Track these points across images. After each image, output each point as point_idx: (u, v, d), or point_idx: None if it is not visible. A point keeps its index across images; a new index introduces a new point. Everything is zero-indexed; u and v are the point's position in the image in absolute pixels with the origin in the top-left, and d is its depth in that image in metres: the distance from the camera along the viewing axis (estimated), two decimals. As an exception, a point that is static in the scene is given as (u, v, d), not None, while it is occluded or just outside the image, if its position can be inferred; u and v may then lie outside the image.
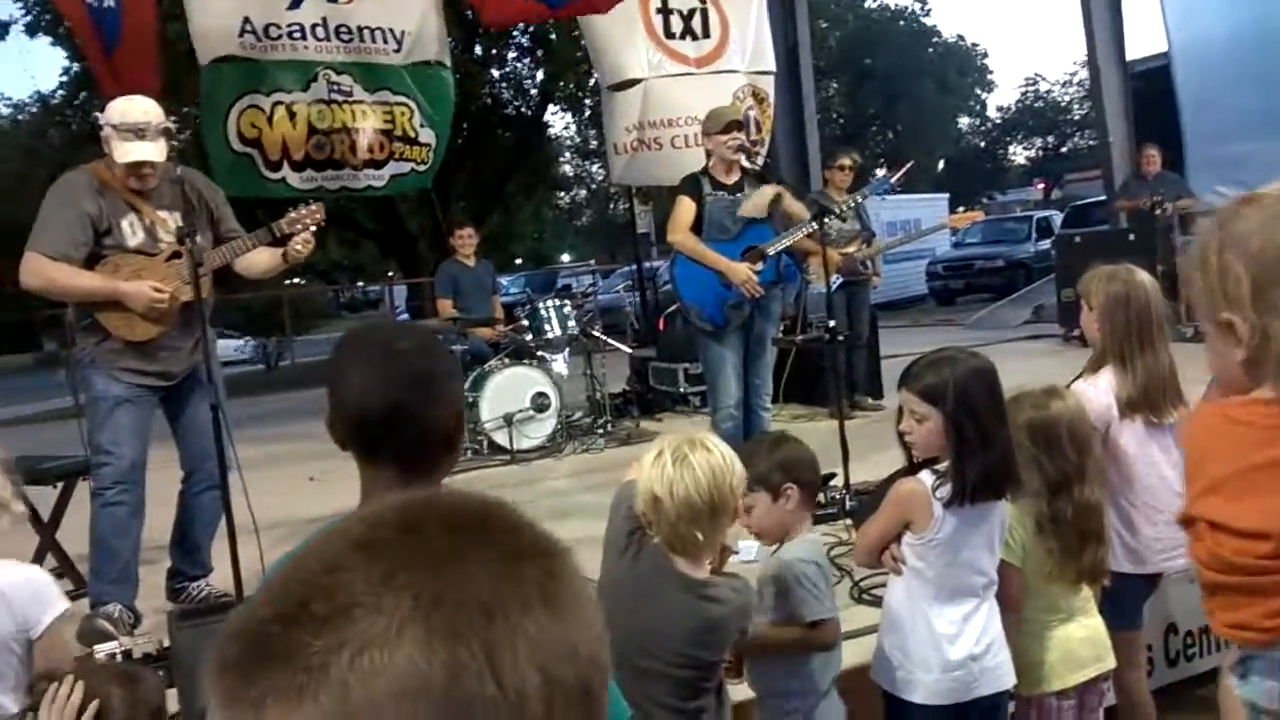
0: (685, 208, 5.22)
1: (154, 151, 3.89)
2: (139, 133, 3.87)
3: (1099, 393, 2.95)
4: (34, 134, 21.09)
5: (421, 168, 7.23)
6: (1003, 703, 2.57)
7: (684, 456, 2.12)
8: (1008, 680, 2.51)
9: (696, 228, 5.18)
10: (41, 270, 3.84)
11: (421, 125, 7.11)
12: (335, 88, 6.77)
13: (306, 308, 22.69)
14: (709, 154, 5.31)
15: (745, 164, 5.34)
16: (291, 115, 6.61)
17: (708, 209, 5.17)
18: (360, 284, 28.88)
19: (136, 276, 3.95)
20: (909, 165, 7.27)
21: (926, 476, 2.44)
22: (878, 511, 2.56)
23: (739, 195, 5.23)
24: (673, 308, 5.39)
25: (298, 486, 6.28)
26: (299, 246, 4.20)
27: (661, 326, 9.28)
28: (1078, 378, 3.09)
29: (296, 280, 25.86)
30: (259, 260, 4.30)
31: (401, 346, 1.55)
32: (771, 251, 5.27)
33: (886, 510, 2.52)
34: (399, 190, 8.48)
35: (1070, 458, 2.64)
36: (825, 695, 2.51)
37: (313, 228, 4.23)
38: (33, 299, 4.35)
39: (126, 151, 3.87)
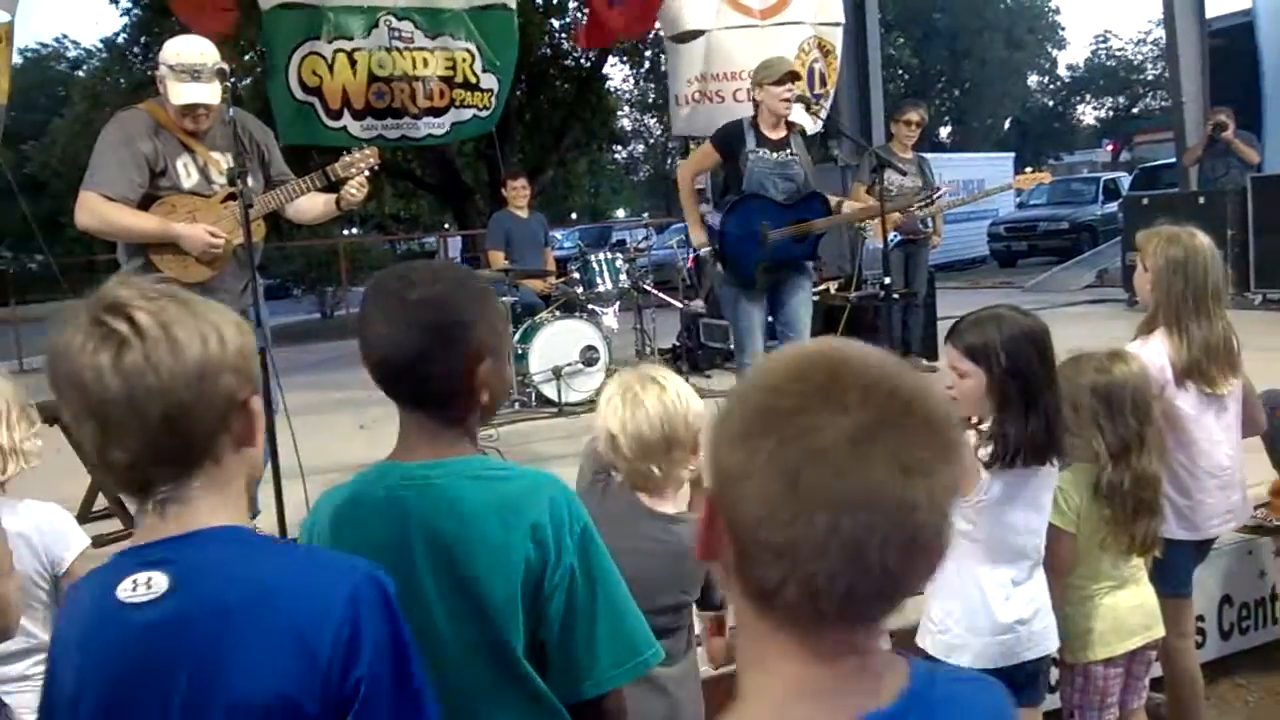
0: (704, 153, 5.41)
1: (209, 94, 3.89)
2: (194, 74, 3.87)
3: (1151, 354, 2.86)
4: (98, 78, 21.34)
5: (484, 113, 7.20)
6: (1045, 667, 2.52)
7: (635, 394, 2.12)
8: (1052, 645, 2.46)
9: (735, 185, 5.13)
10: (98, 210, 3.85)
11: (484, 70, 7.07)
12: (396, 34, 6.75)
13: (363, 259, 22.83)
14: (757, 105, 5.19)
15: (804, 117, 5.23)
16: (353, 63, 6.61)
17: (750, 168, 5.08)
18: (416, 235, 29.06)
19: (191, 218, 3.96)
20: (945, 190, 7.41)
21: (970, 437, 2.37)
22: None
23: (784, 153, 5.13)
24: (704, 250, 5.40)
25: (348, 433, 6.34)
26: (353, 191, 4.20)
27: (691, 264, 9.23)
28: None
29: (354, 231, 26.07)
30: (311, 206, 4.30)
31: (419, 295, 1.51)
32: (821, 229, 5.21)
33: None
34: (461, 137, 8.47)
35: (1131, 425, 2.56)
36: None
37: (366, 172, 4.22)
38: (97, 242, 4.38)
39: (181, 93, 3.87)
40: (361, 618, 1.21)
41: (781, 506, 0.82)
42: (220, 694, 1.17)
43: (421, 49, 6.82)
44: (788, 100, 5.08)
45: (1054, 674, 2.98)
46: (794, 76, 5.20)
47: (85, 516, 4.73)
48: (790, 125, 5.23)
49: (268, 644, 1.18)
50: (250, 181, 3.95)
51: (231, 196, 3.98)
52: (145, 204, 3.92)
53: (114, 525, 4.63)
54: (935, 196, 7.28)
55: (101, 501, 4.80)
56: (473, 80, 7.05)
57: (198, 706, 1.17)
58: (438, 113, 6.98)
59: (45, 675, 1.31)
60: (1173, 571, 2.86)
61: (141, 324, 1.18)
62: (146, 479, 1.24)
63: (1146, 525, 2.57)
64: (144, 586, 1.20)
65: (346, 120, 6.68)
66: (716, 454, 0.88)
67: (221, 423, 1.24)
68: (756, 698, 0.90)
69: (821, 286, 7.71)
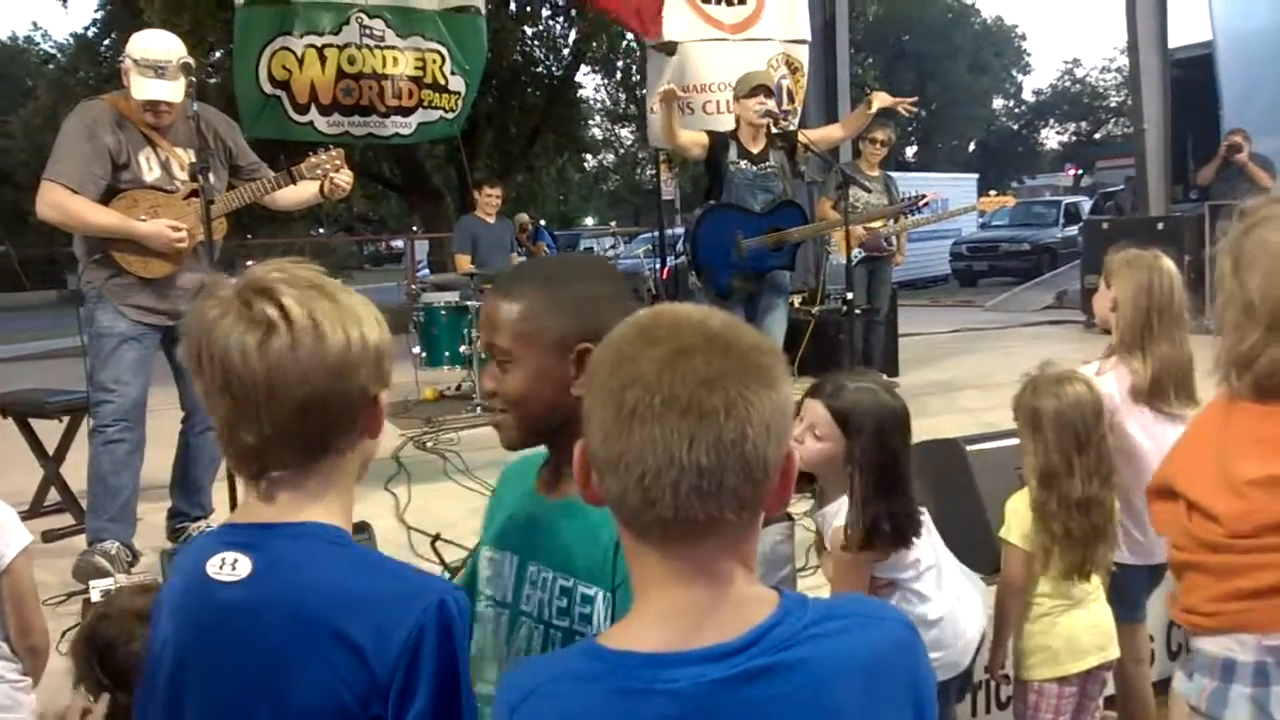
0: (699, 135, 5.40)
1: (170, 91, 3.85)
2: (158, 70, 3.84)
3: (1106, 382, 2.87)
4: (67, 71, 21.06)
5: (450, 115, 7.18)
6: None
7: None
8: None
9: (714, 191, 5.15)
10: (60, 202, 3.80)
11: (452, 73, 7.05)
12: (367, 31, 6.71)
13: (329, 259, 22.66)
14: (737, 119, 5.28)
15: (773, 129, 5.28)
16: (322, 59, 6.56)
17: (730, 179, 5.12)
18: (384, 237, 28.91)
19: (153, 214, 3.92)
20: (931, 198, 7.39)
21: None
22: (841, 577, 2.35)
23: (764, 166, 5.17)
24: (679, 260, 5.43)
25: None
26: (340, 182, 4.19)
27: (665, 276, 9.26)
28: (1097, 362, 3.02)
29: (320, 231, 25.89)
30: (296, 193, 4.28)
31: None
32: (797, 238, 5.24)
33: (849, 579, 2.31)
34: (426, 138, 8.44)
35: (1053, 455, 2.57)
36: None
37: (333, 173, 4.20)
38: (58, 234, 4.31)
39: (143, 88, 3.83)
40: (423, 650, 1.20)
41: (612, 425, 0.97)
42: (283, 690, 1.20)
43: (392, 47, 6.79)
44: (759, 112, 5.14)
45: (1006, 690, 3.00)
46: (765, 90, 5.25)
47: (37, 510, 4.66)
48: (770, 139, 5.27)
49: (331, 655, 1.18)
50: (212, 179, 3.92)
51: (195, 193, 3.93)
52: (107, 197, 3.87)
53: (66, 520, 4.57)
54: (921, 205, 7.31)
55: (54, 495, 4.73)
56: (441, 81, 7.02)
57: (262, 693, 1.20)
58: (405, 112, 6.95)
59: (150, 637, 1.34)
60: (1126, 596, 2.87)
61: (290, 311, 1.19)
62: (265, 463, 1.25)
63: (1081, 552, 2.56)
64: (229, 567, 1.22)
65: (313, 115, 6.62)
66: (583, 406, 1.02)
67: (351, 416, 1.26)
68: (634, 617, 1.04)
69: (786, 300, 7.74)
